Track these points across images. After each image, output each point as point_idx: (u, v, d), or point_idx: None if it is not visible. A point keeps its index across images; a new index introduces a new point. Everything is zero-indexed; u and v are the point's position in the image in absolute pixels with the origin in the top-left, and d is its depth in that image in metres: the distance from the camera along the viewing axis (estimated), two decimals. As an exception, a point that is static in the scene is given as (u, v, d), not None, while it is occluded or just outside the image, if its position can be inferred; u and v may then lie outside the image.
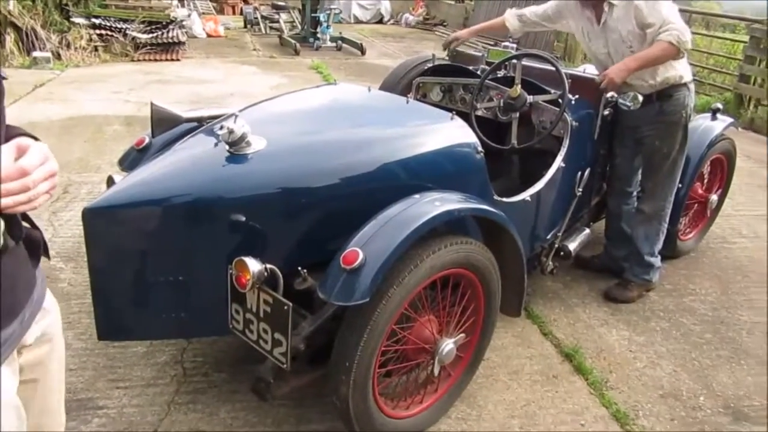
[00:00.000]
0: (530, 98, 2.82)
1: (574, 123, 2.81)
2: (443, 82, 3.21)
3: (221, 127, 2.01)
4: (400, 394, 2.18)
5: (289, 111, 2.45)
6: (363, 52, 10.75)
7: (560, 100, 2.77)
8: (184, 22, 10.78)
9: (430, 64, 3.40)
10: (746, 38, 7.87)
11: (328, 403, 2.27)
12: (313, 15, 11.26)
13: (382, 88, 3.46)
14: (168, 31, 9.70)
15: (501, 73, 3.10)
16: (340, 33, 11.62)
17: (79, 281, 3.10)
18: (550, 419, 2.40)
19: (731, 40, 8.91)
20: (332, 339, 1.96)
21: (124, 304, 2.02)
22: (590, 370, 2.67)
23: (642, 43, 2.84)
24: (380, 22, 16.62)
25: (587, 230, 3.16)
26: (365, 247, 1.80)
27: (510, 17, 3.33)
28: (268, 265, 1.83)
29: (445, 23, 15.01)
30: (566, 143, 2.82)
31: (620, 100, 2.85)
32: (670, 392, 2.62)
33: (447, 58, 3.50)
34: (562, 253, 2.97)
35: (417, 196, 2.00)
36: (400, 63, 3.72)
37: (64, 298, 2.94)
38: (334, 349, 1.92)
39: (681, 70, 2.95)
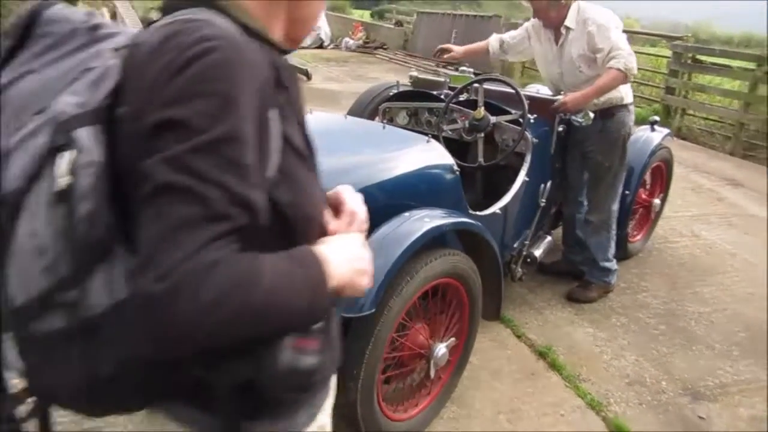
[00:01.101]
0: (493, 119, 3.07)
1: (534, 140, 3.07)
2: (409, 106, 3.43)
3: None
4: (399, 398, 2.35)
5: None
6: (309, 78, 10.95)
7: (521, 120, 3.03)
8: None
9: (395, 90, 3.61)
10: (668, 53, 8.49)
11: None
12: (256, 42, 11.39)
13: (349, 114, 3.65)
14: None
15: (463, 97, 3.34)
16: (284, 59, 11.79)
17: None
18: (533, 412, 2.61)
19: (655, 55, 9.55)
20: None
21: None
22: (563, 366, 2.91)
23: (590, 66, 3.14)
24: (320, 47, 16.89)
25: (549, 237, 3.43)
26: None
27: (493, 41, 3.68)
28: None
29: (385, 46, 15.40)
30: (528, 159, 3.07)
31: (573, 117, 3.14)
32: (635, 380, 2.88)
33: (410, 84, 3.72)
34: (529, 260, 3.21)
35: (407, 214, 2.19)
36: (366, 90, 3.93)
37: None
38: (343, 356, 2.07)
39: (623, 92, 3.25)
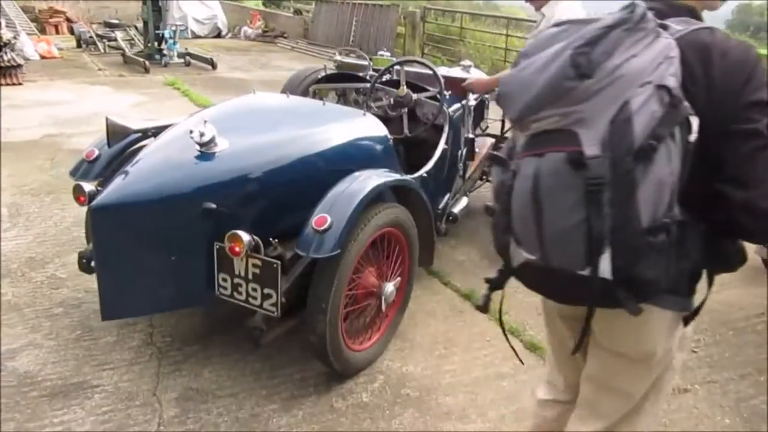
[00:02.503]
0: (415, 96, 3.51)
1: (450, 113, 3.55)
2: (337, 87, 3.81)
3: (191, 131, 2.46)
4: (355, 332, 2.75)
5: (232, 117, 2.89)
6: (214, 67, 10.98)
7: (438, 96, 3.49)
8: (15, 44, 10.30)
9: (323, 73, 3.98)
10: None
11: (293, 353, 2.80)
12: (156, 32, 11.25)
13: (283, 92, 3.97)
14: (3, 55, 9.28)
15: (386, 78, 3.76)
16: (186, 49, 11.72)
17: (21, 293, 3.29)
18: (464, 340, 3.10)
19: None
20: (300, 293, 2.48)
21: (125, 285, 2.40)
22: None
23: None
24: (218, 36, 16.72)
25: (467, 198, 3.93)
26: (330, 213, 2.36)
27: None
28: (254, 236, 2.32)
29: (285, 35, 15.52)
30: (446, 129, 3.54)
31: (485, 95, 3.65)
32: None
33: (334, 68, 4.09)
34: (450, 218, 3.70)
35: (356, 174, 2.59)
36: (293, 73, 4.27)
37: (14, 308, 3.14)
38: (309, 295, 2.45)
39: None
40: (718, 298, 3.67)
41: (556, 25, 1.29)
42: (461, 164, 3.69)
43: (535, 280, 1.39)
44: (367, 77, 3.82)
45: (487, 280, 1.50)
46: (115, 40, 12.65)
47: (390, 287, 2.73)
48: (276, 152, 2.63)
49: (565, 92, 1.15)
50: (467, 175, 4.08)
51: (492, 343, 3.10)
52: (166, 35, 11.23)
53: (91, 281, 3.33)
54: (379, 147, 2.98)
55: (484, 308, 1.54)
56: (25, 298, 3.24)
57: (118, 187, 2.32)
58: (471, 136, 3.98)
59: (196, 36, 15.95)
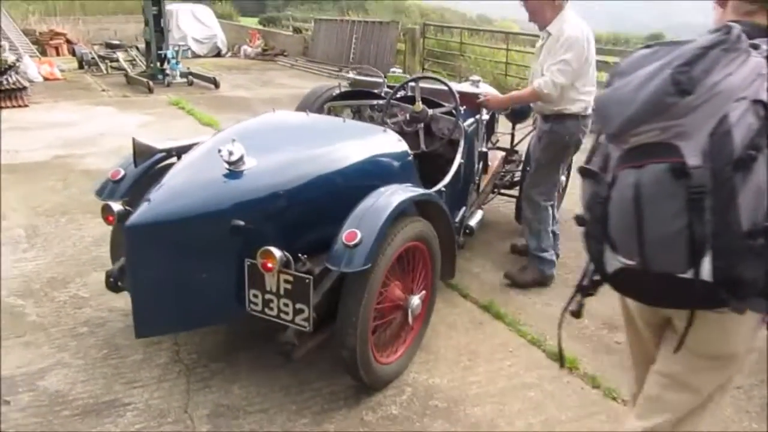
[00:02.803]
0: (430, 111, 3.56)
1: (466, 128, 3.60)
2: (352, 104, 3.86)
3: (220, 150, 2.51)
4: (383, 345, 2.78)
5: (256, 135, 2.93)
6: (217, 86, 11.06)
7: (454, 111, 3.55)
8: (19, 67, 10.39)
9: (337, 91, 4.03)
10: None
11: (321, 367, 2.82)
12: (159, 52, 11.35)
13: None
14: (8, 77, 9.36)
15: (400, 94, 3.81)
16: (188, 68, 11.82)
17: (45, 312, 3.31)
18: (487, 351, 3.13)
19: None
20: (329, 307, 2.51)
21: (158, 303, 2.43)
22: (505, 315, 3.45)
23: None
24: (218, 55, 16.88)
25: (481, 211, 3.98)
26: (360, 228, 2.40)
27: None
28: (285, 252, 2.36)
29: (285, 53, 15.66)
30: (462, 144, 3.60)
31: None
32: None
33: (348, 85, 4.15)
34: (467, 231, 3.74)
35: (382, 189, 2.63)
36: (308, 91, 4.32)
37: (39, 328, 3.16)
38: (339, 309, 2.48)
39: (568, 104, 3.46)
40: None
41: (646, 47, 1.40)
42: (476, 178, 3.73)
43: (632, 285, 1.48)
44: (382, 94, 3.88)
45: (579, 288, 1.62)
46: (117, 60, 12.77)
47: (416, 300, 2.77)
48: (302, 169, 2.68)
49: (666, 108, 1.25)
50: (481, 188, 4.14)
51: (515, 354, 3.13)
52: (169, 55, 11.34)
53: (114, 300, 3.39)
54: (400, 162, 3.03)
55: (577, 314, 1.64)
56: (50, 317, 3.27)
57: (151, 205, 2.36)
58: (484, 149, 4.04)
59: (195, 55, 16.07)
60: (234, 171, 2.51)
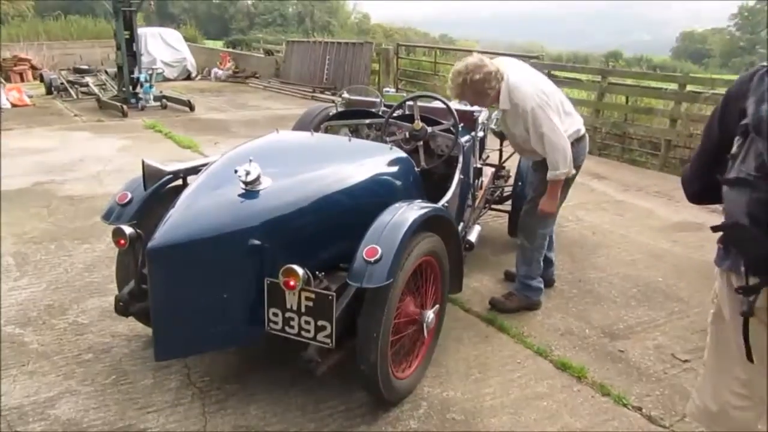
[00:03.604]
0: (429, 129, 3.63)
1: (464, 144, 3.67)
2: (350, 124, 3.90)
3: (236, 170, 2.52)
4: (398, 360, 2.80)
5: (265, 156, 2.93)
6: (192, 108, 11.01)
7: (452, 129, 3.61)
8: (-13, 94, 10.21)
9: (333, 111, 4.08)
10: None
11: (333, 384, 2.82)
12: (131, 76, 11.25)
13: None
14: (-23, 104, 9.18)
15: (398, 113, 3.87)
16: (161, 91, 11.74)
17: (46, 340, 3.25)
18: (496, 363, 3.17)
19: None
20: (346, 324, 2.52)
21: (179, 324, 2.41)
22: (509, 328, 3.51)
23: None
24: (188, 78, 16.82)
25: (479, 226, 4.04)
26: (380, 244, 2.43)
27: None
28: (306, 270, 2.37)
29: (257, 75, 15.67)
30: (461, 160, 3.66)
31: (492, 126, 3.78)
32: (565, 331, 3.54)
33: (342, 105, 4.19)
34: (467, 246, 3.79)
35: (396, 205, 2.67)
36: (305, 111, 4.36)
37: (43, 356, 3.10)
38: (360, 325, 2.50)
39: (569, 129, 3.40)
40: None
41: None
42: (472, 193, 3.80)
43: None
44: (380, 113, 3.93)
45: (744, 288, 1.62)
46: (87, 85, 12.60)
47: (430, 314, 2.80)
48: (315, 187, 2.71)
49: None
50: (476, 203, 4.21)
51: (524, 365, 3.17)
52: (142, 79, 11.25)
53: (115, 326, 3.35)
54: (407, 179, 3.08)
55: (749, 312, 1.62)
56: (52, 345, 3.20)
57: (172, 227, 2.36)
58: (479, 166, 4.12)
59: (166, 79, 15.92)
60: (251, 191, 2.53)
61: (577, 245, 4.90)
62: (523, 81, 3.31)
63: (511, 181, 4.93)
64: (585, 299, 3.96)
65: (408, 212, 2.62)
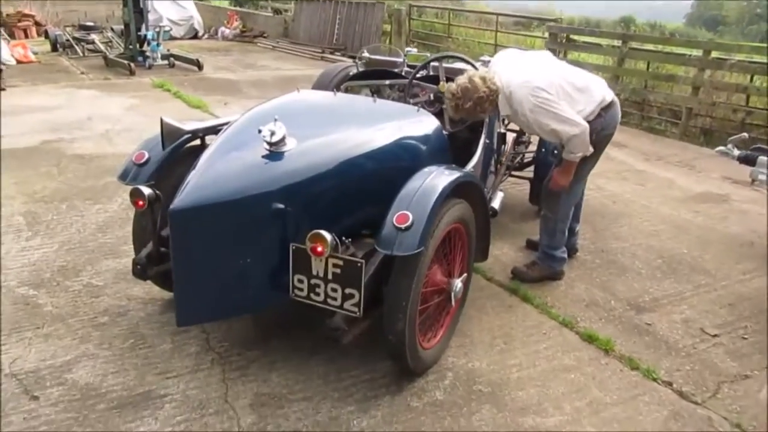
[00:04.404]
0: (455, 91, 3.48)
1: (490, 107, 3.53)
2: (372, 84, 3.75)
3: (261, 130, 2.40)
4: (424, 330, 2.72)
5: (288, 116, 2.79)
6: (200, 68, 10.79)
7: (479, 91, 3.46)
8: (-8, 49, 10.01)
9: (354, 70, 3.92)
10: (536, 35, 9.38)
11: (355, 353, 2.75)
12: (138, 33, 11.01)
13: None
14: (-18, 60, 9.00)
15: (421, 74, 3.72)
16: (168, 50, 11.50)
17: (61, 303, 3.18)
18: (521, 334, 3.10)
19: (531, 36, 10.49)
20: (372, 292, 2.43)
21: (201, 289, 2.33)
22: (533, 298, 3.42)
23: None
24: (195, 37, 16.48)
25: (501, 193, 3.93)
26: (410, 210, 2.32)
27: None
28: (334, 235, 2.27)
29: (265, 34, 15.36)
30: (486, 124, 3.53)
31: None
32: (590, 303, 3.45)
33: (363, 65, 4.04)
34: (491, 213, 3.67)
35: (426, 170, 2.56)
36: (322, 71, 4.21)
37: (58, 318, 3.03)
38: (388, 294, 2.41)
39: (598, 96, 3.28)
40: (754, 285, 3.74)
41: None
42: (495, 159, 3.68)
43: None
44: (402, 73, 3.78)
45: None
46: (93, 42, 12.35)
47: (458, 283, 2.71)
48: (341, 150, 2.59)
49: None
50: (498, 169, 4.08)
51: (549, 336, 3.10)
52: (149, 37, 11.00)
53: (131, 288, 3.28)
54: (435, 142, 2.96)
55: None
56: (67, 308, 3.13)
57: (194, 189, 2.26)
58: (502, 130, 3.98)
59: (172, 38, 15.65)
60: (275, 152, 2.42)
61: (599, 214, 4.78)
62: (516, 86, 3.11)
63: (532, 147, 4.80)
64: (609, 270, 3.87)
65: (438, 178, 2.50)
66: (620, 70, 8.15)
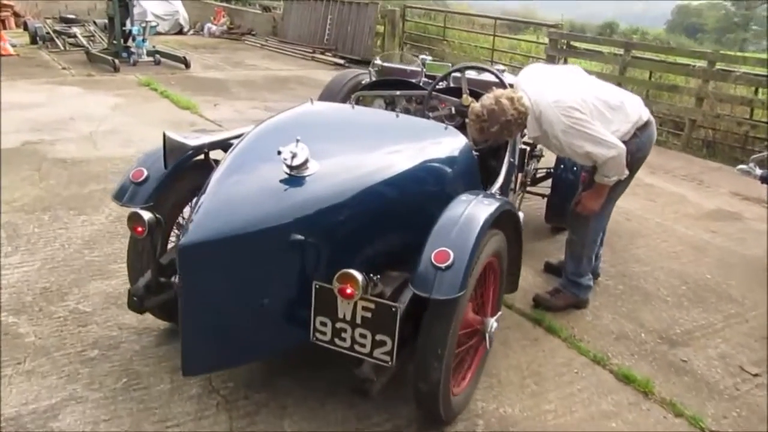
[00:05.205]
0: (478, 105, 3.22)
1: (517, 123, 3.28)
2: (386, 95, 3.47)
3: (280, 152, 2.12)
4: (454, 373, 2.45)
5: (302, 132, 2.53)
6: (187, 66, 10.42)
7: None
8: (-32, 41, 9.55)
9: (367, 79, 3.65)
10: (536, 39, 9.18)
11: (379, 397, 2.48)
12: (123, 28, 10.59)
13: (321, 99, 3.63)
14: (-43, 52, 8.55)
15: (442, 85, 3.46)
16: (154, 46, 11.11)
17: (45, 332, 2.86)
18: (551, 372, 2.85)
19: (532, 42, 10.29)
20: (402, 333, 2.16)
21: (213, 334, 2.04)
22: (559, 330, 3.18)
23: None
24: (180, 33, 16.04)
25: (522, 213, 3.67)
26: (451, 246, 2.06)
27: None
28: (366, 275, 2.00)
29: (253, 32, 15.00)
30: (511, 141, 3.28)
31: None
32: (619, 335, 3.22)
33: (374, 73, 3.76)
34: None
35: (463, 198, 2.30)
36: (332, 79, 3.93)
37: (41, 352, 2.72)
38: (423, 340, 2.14)
39: (633, 119, 3.06)
40: None
41: None
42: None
43: None
44: (420, 84, 3.52)
45: None
46: (75, 36, 11.89)
47: (493, 323, 2.45)
48: (367, 174, 2.32)
49: None
50: (517, 187, 3.84)
51: (581, 375, 2.86)
52: (134, 32, 10.59)
53: (121, 316, 3.00)
54: (466, 164, 2.70)
55: None
56: (52, 339, 2.82)
57: (206, 220, 1.97)
58: (522, 146, 3.74)
59: (157, 33, 15.21)
60: (296, 176, 2.14)
61: (614, 233, 4.56)
62: (545, 105, 2.86)
63: (544, 161, 4.56)
64: (633, 297, 3.64)
65: (478, 207, 2.24)
66: (622, 78, 7.95)
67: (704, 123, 7.44)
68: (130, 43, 10.64)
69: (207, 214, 2.00)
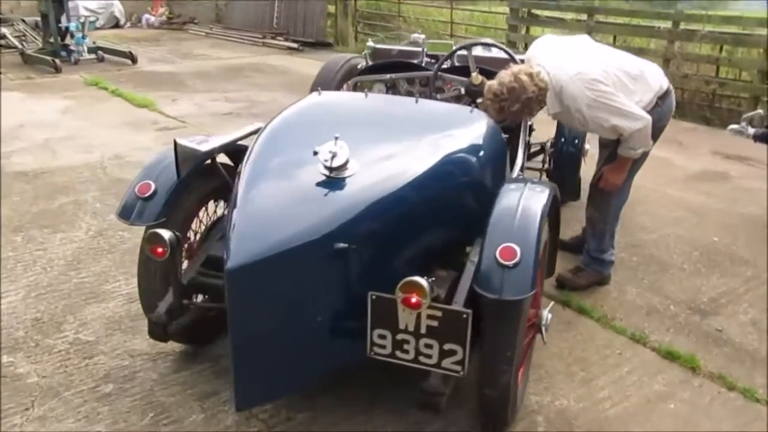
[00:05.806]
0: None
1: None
2: (389, 79, 3.27)
3: (317, 152, 1.92)
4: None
5: (322, 126, 2.31)
6: (134, 61, 9.88)
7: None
8: None
9: (363, 63, 3.43)
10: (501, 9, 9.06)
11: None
12: (59, 25, 9.95)
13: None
14: None
15: (446, 64, 3.28)
16: (95, 42, 10.50)
17: (48, 370, 2.58)
18: (595, 357, 2.76)
19: (492, 12, 10.11)
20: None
21: (266, 362, 1.84)
22: (590, 310, 3.09)
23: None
24: (116, 26, 15.27)
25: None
26: (517, 241, 1.90)
27: None
28: (430, 281, 1.83)
29: (195, 20, 14.40)
30: (525, 120, 3.13)
31: None
32: (649, 309, 3.15)
33: (368, 56, 3.55)
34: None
35: (512, 186, 2.15)
36: (322, 66, 3.69)
37: (50, 393, 2.45)
38: (489, 344, 1.99)
39: (654, 86, 2.97)
40: None
41: None
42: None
43: None
44: (422, 64, 3.33)
45: None
46: (4, 37, 11.14)
47: (548, 314, 2.32)
48: (405, 169, 2.13)
49: None
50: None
51: (626, 357, 2.77)
52: (72, 29, 9.96)
53: (129, 341, 2.75)
54: (497, 148, 2.54)
55: None
56: (57, 376, 2.54)
57: (247, 237, 1.76)
58: (530, 123, 3.60)
59: (95, 28, 14.45)
60: (335, 178, 1.94)
61: (613, 203, 4.50)
62: (567, 79, 2.72)
63: (535, 135, 4.44)
64: (651, 267, 3.58)
65: (532, 197, 2.09)
66: (588, 46, 7.94)
67: (672, 83, 7.45)
68: (68, 40, 10.01)
69: (246, 229, 1.79)
